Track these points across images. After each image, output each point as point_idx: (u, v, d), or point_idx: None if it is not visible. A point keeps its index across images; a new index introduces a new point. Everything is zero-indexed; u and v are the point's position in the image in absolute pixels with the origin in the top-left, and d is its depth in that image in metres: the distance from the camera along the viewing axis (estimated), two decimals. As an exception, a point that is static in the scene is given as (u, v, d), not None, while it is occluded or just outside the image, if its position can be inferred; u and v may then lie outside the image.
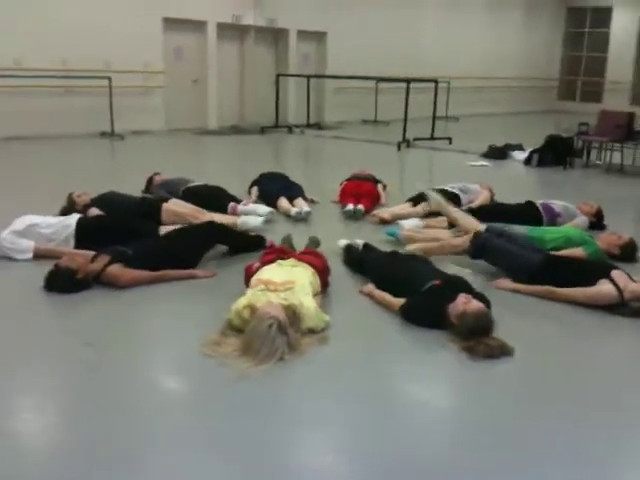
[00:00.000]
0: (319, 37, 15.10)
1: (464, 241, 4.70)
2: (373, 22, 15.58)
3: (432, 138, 11.64)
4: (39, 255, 4.47)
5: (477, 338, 3.24)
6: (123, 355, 3.20)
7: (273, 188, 6.52)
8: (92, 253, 4.17)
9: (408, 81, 11.35)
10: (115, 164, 9.66)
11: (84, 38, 11.02)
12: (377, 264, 4.19)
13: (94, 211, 5.39)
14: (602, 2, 21.27)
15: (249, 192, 6.78)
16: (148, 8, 11.84)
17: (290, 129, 13.29)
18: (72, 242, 4.64)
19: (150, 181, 6.75)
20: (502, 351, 3.20)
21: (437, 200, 5.38)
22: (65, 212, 5.54)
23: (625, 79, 21.48)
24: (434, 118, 11.84)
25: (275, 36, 14.56)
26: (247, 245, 4.78)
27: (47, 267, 4.02)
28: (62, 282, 3.88)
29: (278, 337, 3.04)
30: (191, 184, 6.40)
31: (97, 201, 5.61)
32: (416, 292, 3.61)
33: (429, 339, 3.43)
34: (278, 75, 13.52)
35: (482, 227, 4.84)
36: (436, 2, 17.36)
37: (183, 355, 3.21)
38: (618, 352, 3.55)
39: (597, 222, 5.70)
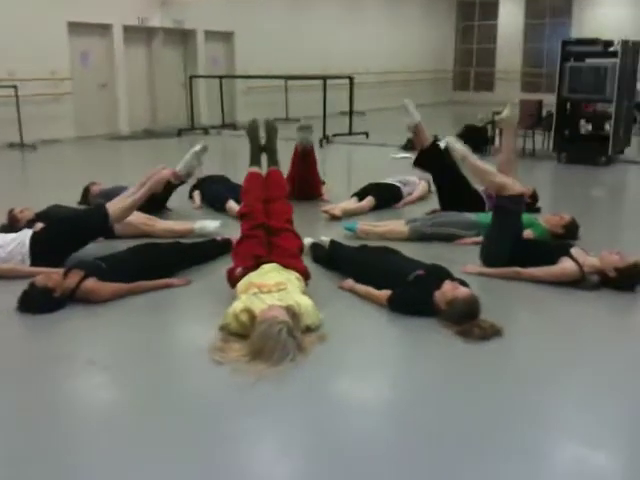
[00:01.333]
0: (227, 37, 15.02)
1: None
2: (279, 21, 15.67)
3: (350, 133, 11.88)
4: (-2, 275, 4.29)
5: (469, 322, 3.43)
6: (129, 370, 3.16)
7: (217, 191, 6.50)
8: (55, 270, 4.03)
9: (324, 78, 11.52)
10: (30, 176, 9.26)
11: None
12: (351, 259, 4.29)
13: (39, 226, 5.19)
14: (490, -4, 22.35)
15: (191, 197, 6.72)
16: (51, 13, 11.39)
17: (206, 131, 13.16)
18: (28, 260, 4.46)
19: (87, 191, 6.55)
20: (493, 332, 3.40)
21: (461, 150, 4.89)
22: (5, 230, 5.32)
23: (514, 68, 22.67)
24: (351, 114, 12.09)
25: (183, 37, 14.36)
26: (219, 253, 4.77)
27: (5, 288, 3.89)
28: (39, 302, 3.73)
29: (289, 340, 3.09)
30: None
31: (42, 216, 5.40)
32: (401, 283, 3.75)
33: (419, 326, 3.58)
34: (191, 77, 13.35)
35: (510, 180, 4.38)
36: (338, 0, 17.67)
37: (186, 363, 3.21)
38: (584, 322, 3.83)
39: (532, 204, 6.05)
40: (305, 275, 3.85)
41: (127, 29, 12.86)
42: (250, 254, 3.80)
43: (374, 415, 2.79)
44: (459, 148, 4.89)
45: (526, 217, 5.17)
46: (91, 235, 4.72)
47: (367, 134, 12.09)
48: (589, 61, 8.99)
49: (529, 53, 22.63)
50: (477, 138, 10.08)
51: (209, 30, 14.41)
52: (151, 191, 4.93)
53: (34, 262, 4.44)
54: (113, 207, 4.69)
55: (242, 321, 3.34)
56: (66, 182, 6.71)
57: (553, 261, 4.19)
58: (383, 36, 19.29)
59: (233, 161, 10.60)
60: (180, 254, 4.51)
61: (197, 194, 6.68)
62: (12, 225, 5.36)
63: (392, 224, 5.39)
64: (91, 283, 3.84)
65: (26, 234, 4.54)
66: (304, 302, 3.43)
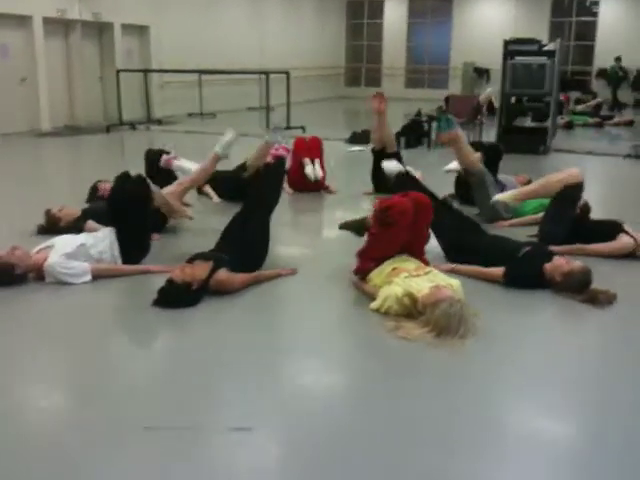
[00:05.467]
0: (142, 31, 14.65)
1: None
2: (192, 17, 15.57)
3: (288, 127, 12.09)
4: (96, 276, 4.18)
5: (586, 290, 3.90)
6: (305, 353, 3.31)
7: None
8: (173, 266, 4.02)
9: (267, 73, 11.67)
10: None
11: None
12: (455, 229, 4.58)
13: (92, 224, 5.05)
14: (376, -6, 23.26)
15: (201, 193, 6.75)
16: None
17: (133, 126, 12.82)
18: (119, 260, 4.38)
19: (95, 189, 6.34)
20: (614, 296, 3.88)
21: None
22: (44, 231, 5.16)
23: (399, 65, 23.81)
24: (288, 106, 12.30)
25: (99, 31, 13.83)
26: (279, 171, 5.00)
27: (104, 287, 3.96)
28: (180, 296, 3.73)
29: (469, 316, 3.40)
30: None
31: (90, 213, 5.25)
32: (510, 259, 4.14)
33: (536, 298, 3.99)
34: (118, 71, 12.91)
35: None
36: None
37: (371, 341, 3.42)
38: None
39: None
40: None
41: (46, 21, 12.22)
42: (397, 242, 3.96)
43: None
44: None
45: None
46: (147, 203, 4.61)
47: (304, 128, 12.35)
48: (527, 59, 9.82)
49: (412, 51, 23.82)
50: (419, 132, 10.76)
51: (125, 23, 13.99)
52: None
53: (126, 259, 4.39)
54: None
55: (405, 304, 3.59)
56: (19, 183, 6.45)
57: (611, 237, 4.77)
58: (282, 33, 19.58)
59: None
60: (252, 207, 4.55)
61: (209, 188, 6.71)
62: (53, 225, 5.18)
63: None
64: (224, 274, 3.89)
65: (107, 233, 4.43)
66: (454, 282, 3.71)
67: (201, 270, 3.84)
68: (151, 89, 14.84)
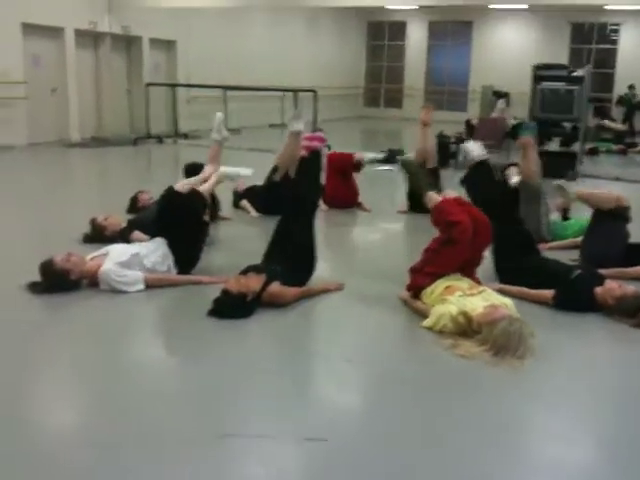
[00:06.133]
0: (169, 46, 14.84)
1: None
2: (217, 34, 15.78)
3: (314, 145, 12.19)
4: (149, 285, 4.23)
5: (639, 314, 3.91)
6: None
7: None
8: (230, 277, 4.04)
9: (295, 91, 11.80)
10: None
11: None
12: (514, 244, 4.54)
13: (139, 235, 5.10)
14: (397, 17, 23.43)
15: (237, 206, 6.82)
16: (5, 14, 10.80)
17: (160, 140, 12.94)
18: (174, 269, 4.43)
19: (135, 200, 6.42)
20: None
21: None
22: (90, 239, 5.22)
23: (419, 85, 23.95)
24: (315, 124, 12.39)
25: (128, 44, 14.01)
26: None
27: (158, 296, 4.02)
28: (235, 307, 3.77)
29: (528, 336, 3.42)
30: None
31: (137, 223, 5.31)
32: (562, 282, 4.16)
33: (586, 321, 4.00)
34: (147, 84, 13.07)
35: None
36: (266, 18, 17.92)
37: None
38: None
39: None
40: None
41: (78, 33, 12.40)
42: (458, 260, 3.98)
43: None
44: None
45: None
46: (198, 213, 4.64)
47: (329, 146, 12.42)
48: (557, 84, 9.89)
49: (432, 72, 23.98)
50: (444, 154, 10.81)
51: (153, 38, 14.17)
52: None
53: (181, 270, 4.44)
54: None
55: (460, 322, 3.61)
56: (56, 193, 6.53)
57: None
58: (303, 52, 19.77)
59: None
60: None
61: (247, 203, 6.76)
62: (98, 234, 5.24)
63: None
64: (277, 287, 3.93)
65: (159, 244, 4.46)
66: (508, 301, 3.74)
67: (255, 282, 3.88)
68: (178, 103, 15.02)
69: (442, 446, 2.59)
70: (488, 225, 3.96)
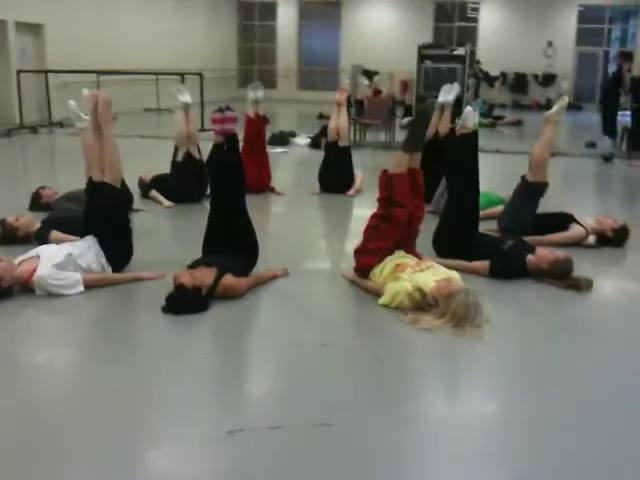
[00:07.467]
0: (37, 29, 13.90)
1: None
2: (87, 17, 15.01)
3: (202, 129, 11.94)
4: (88, 286, 4.01)
5: (569, 277, 4.22)
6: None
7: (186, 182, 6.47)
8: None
9: (182, 74, 11.50)
10: None
11: None
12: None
13: (58, 234, 4.77)
14: (267, -3, 23.32)
15: (146, 197, 6.59)
16: None
17: (35, 130, 12.16)
18: (109, 268, 4.22)
19: (37, 196, 6.05)
20: (591, 282, 4.23)
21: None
22: (3, 242, 4.88)
23: (292, 67, 24.03)
24: (202, 107, 12.16)
25: (-8, 28, 13.00)
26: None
27: (97, 297, 3.91)
28: (192, 301, 3.68)
29: (482, 305, 3.60)
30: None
31: (52, 222, 5.00)
32: (496, 253, 4.41)
33: (521, 287, 4.27)
34: (18, 71, 12.18)
35: None
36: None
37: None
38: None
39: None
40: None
41: None
42: (397, 234, 4.10)
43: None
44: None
45: (495, 196, 6.14)
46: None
47: (218, 130, 12.23)
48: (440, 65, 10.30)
49: (304, 53, 24.10)
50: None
51: (19, 21, 13.23)
52: None
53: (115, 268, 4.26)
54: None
55: (415, 298, 3.75)
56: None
57: (563, 228, 5.16)
58: (172, 34, 19.22)
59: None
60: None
61: (156, 193, 6.56)
62: (11, 235, 4.90)
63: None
64: (230, 279, 3.87)
65: (91, 243, 4.24)
66: (455, 275, 3.91)
67: (207, 276, 3.81)
68: (50, 90, 14.17)
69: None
70: (423, 207, 4.23)
